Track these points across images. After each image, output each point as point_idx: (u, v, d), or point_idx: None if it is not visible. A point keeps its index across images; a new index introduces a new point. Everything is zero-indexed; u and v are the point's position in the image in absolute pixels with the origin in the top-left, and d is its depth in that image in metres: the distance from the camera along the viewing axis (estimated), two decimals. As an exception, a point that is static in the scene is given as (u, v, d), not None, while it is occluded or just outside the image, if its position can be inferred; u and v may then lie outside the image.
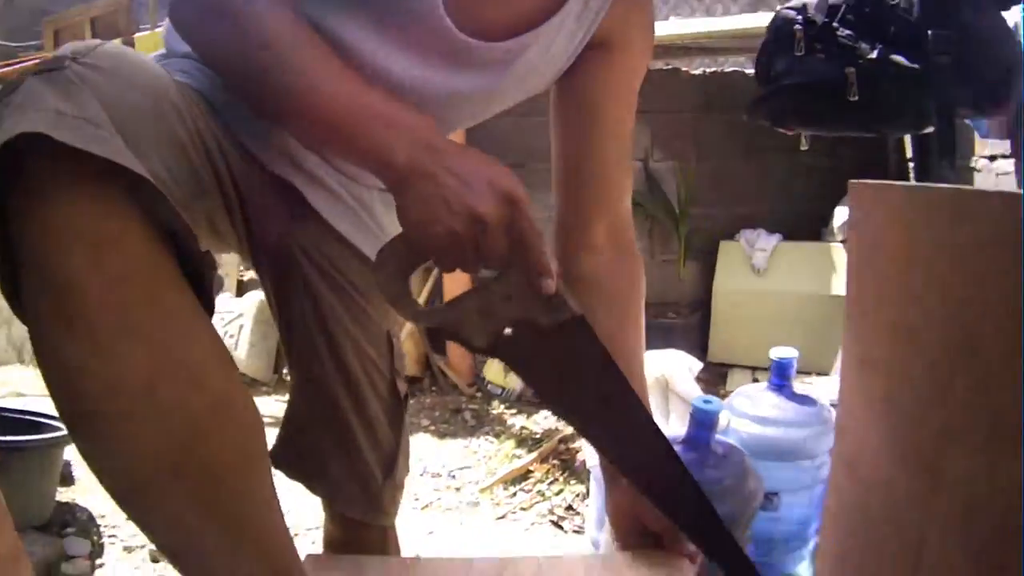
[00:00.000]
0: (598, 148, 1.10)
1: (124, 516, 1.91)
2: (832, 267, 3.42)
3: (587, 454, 2.34)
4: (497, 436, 2.94)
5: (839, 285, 3.23)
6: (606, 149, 1.10)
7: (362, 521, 1.15)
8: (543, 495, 2.44)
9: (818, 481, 1.84)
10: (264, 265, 1.08)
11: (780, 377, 1.91)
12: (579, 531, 2.27)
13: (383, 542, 1.21)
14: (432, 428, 3.06)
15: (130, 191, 0.65)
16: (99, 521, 2.16)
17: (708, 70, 4.14)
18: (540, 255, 0.77)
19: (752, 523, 1.53)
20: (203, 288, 0.73)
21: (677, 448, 1.12)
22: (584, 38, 1.03)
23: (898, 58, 1.56)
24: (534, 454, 2.64)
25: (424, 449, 2.85)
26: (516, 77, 0.99)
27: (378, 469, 1.14)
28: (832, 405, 1.89)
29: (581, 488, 2.43)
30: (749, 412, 1.85)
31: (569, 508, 2.38)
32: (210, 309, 0.74)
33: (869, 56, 1.61)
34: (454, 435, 2.99)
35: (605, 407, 0.91)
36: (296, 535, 1.95)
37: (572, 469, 2.53)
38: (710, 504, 1.00)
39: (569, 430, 2.82)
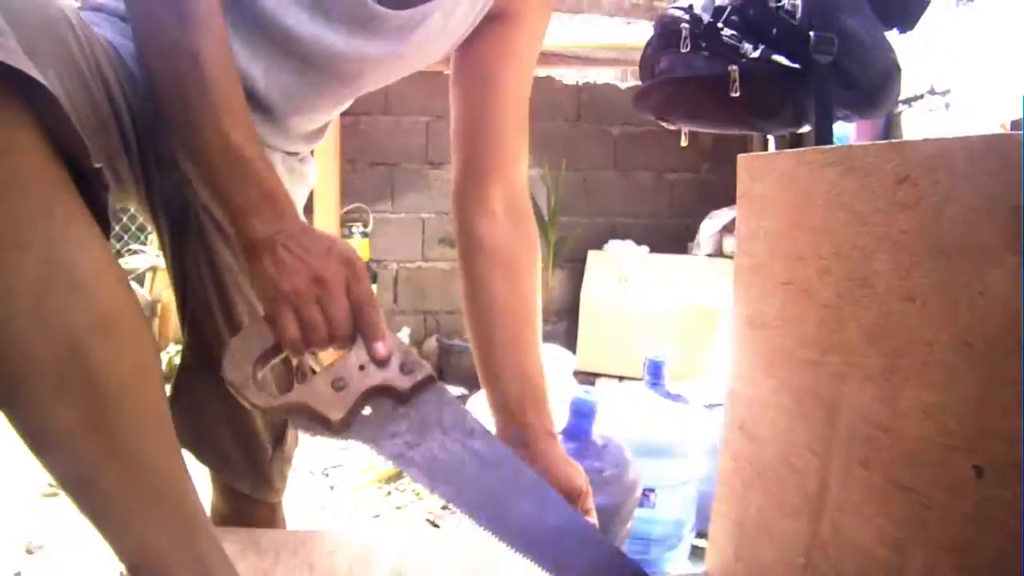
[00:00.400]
0: (495, 115, 1.14)
1: None
2: (697, 280, 3.58)
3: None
4: None
5: (704, 297, 3.39)
6: (503, 116, 1.15)
7: (250, 496, 1.16)
8: (418, 495, 2.45)
9: (693, 478, 1.91)
10: (160, 215, 1.09)
11: (654, 376, 2.00)
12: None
13: (272, 520, 1.22)
14: (304, 424, 2.97)
15: (24, 101, 0.64)
16: None
17: (581, 81, 4.26)
18: (374, 320, 0.84)
19: (632, 515, 1.56)
20: (98, 206, 0.73)
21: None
22: (483, 9, 1.08)
23: (779, 58, 1.66)
24: None
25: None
26: (418, 44, 1.05)
27: (268, 440, 1.14)
28: (705, 407, 2.05)
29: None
30: (624, 409, 1.90)
31: (445, 507, 2.38)
32: (106, 228, 0.74)
33: (751, 55, 1.70)
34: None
35: (477, 470, 0.87)
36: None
37: None
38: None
39: None
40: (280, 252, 0.81)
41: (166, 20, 0.83)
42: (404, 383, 0.82)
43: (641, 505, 1.72)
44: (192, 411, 1.11)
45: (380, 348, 0.83)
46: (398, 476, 2.53)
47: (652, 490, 1.80)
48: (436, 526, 2.25)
